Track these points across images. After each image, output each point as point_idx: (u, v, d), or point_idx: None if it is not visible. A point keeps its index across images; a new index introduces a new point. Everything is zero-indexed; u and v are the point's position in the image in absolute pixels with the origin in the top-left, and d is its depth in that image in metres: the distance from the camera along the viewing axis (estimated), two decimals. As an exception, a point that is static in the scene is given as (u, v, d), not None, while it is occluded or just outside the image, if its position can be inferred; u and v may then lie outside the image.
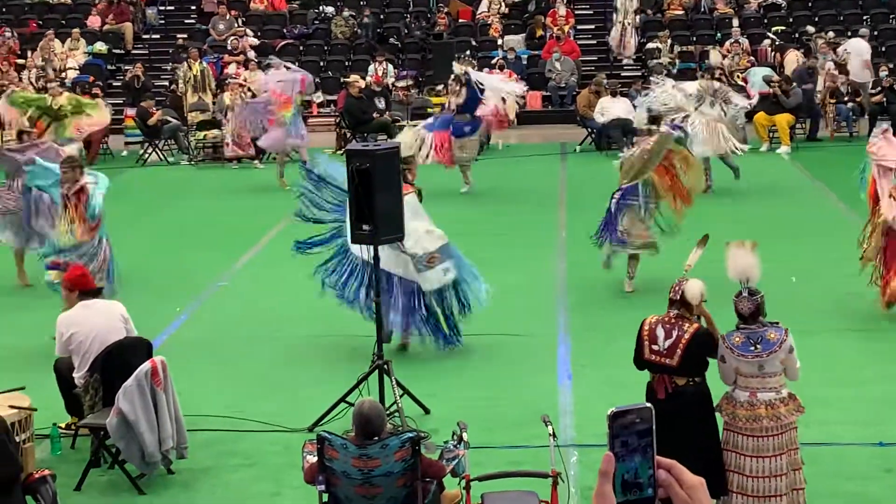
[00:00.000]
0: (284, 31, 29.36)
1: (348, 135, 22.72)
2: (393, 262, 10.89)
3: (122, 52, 28.98)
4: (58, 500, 7.80)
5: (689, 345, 7.56)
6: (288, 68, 20.39)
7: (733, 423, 7.57)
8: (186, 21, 30.18)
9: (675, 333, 7.61)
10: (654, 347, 7.64)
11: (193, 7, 30.41)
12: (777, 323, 7.72)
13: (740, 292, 7.66)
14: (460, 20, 29.24)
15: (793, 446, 7.61)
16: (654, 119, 14.43)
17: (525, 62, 27.45)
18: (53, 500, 7.77)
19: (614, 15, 27.89)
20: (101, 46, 28.52)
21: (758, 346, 7.49)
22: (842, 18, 28.41)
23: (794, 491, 7.64)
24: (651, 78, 21.11)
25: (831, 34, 26.83)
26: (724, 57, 26.10)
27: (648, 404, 2.11)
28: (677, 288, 7.76)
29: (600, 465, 2.07)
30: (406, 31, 29.08)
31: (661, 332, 7.65)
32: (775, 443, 7.50)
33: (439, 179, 17.77)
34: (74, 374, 9.23)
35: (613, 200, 12.90)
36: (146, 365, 8.56)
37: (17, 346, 11.70)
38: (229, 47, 27.81)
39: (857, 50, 25.04)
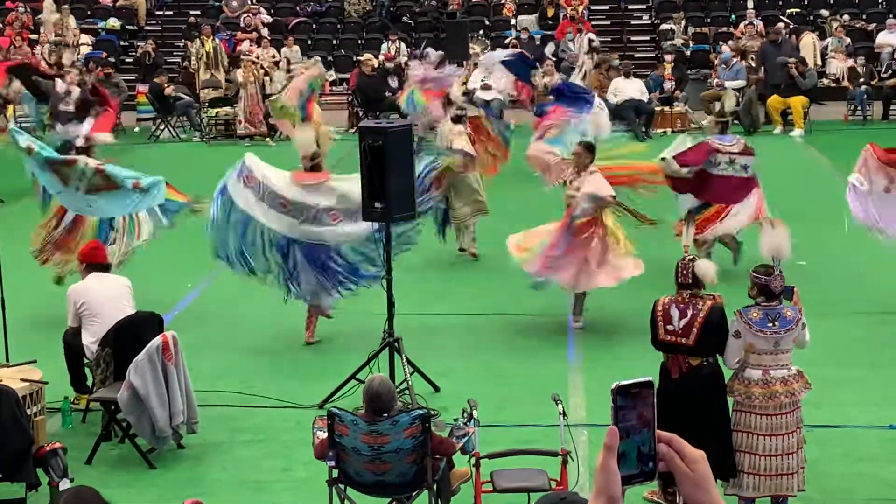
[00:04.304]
0: (297, 8, 29.29)
1: (361, 113, 22.70)
2: (286, 226, 10.66)
3: (135, 28, 28.95)
4: (68, 473, 7.84)
5: (706, 323, 7.54)
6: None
7: (748, 402, 7.53)
8: (199, -3, 30.12)
9: (689, 312, 7.59)
10: (669, 328, 7.62)
11: (206, -16, 30.36)
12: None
13: (770, 270, 7.63)
14: (473, -1, 29.16)
15: (801, 424, 7.63)
16: None
17: (538, 42, 27.35)
18: (64, 472, 7.81)
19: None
20: (113, 22, 28.49)
21: (775, 323, 7.48)
22: (857, 1, 28.25)
23: (799, 468, 7.66)
24: None
25: (846, 17, 26.70)
26: (738, 39, 25.99)
27: (650, 377, 2.09)
28: (685, 271, 7.72)
29: (605, 439, 2.03)
30: (419, 10, 29.00)
31: (675, 312, 7.63)
32: (788, 420, 7.50)
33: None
34: (84, 341, 9.33)
35: None
36: (157, 340, 8.58)
37: (30, 320, 11.74)
38: (242, 24, 27.75)
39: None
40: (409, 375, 9.47)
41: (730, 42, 25.66)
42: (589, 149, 11.46)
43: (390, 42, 26.34)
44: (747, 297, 7.74)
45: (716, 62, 24.93)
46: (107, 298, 9.34)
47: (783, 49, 23.75)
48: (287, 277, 10.72)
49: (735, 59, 23.99)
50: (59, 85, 18.58)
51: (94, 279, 9.50)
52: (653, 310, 7.79)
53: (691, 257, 7.90)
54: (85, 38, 27.38)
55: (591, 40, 24.73)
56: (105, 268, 9.73)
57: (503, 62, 18.54)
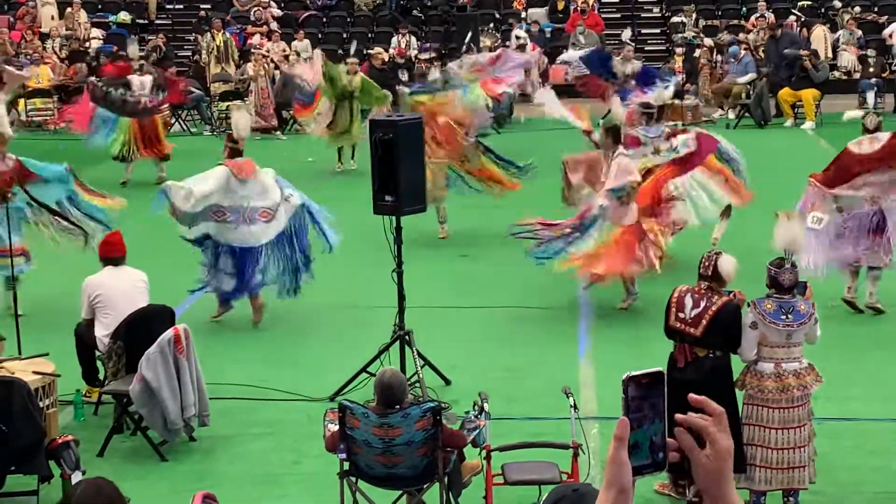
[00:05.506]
0: (308, 1, 29.30)
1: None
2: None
3: (146, 21, 28.99)
4: (80, 465, 7.86)
5: (716, 317, 7.54)
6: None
7: (760, 395, 7.52)
8: (210, -9, 30.16)
9: (703, 304, 7.60)
10: (681, 315, 7.63)
11: (217, -23, 30.39)
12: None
13: (782, 263, 7.63)
14: (484, -8, 29.13)
15: (811, 416, 7.63)
16: None
17: (549, 35, 27.34)
18: (76, 465, 7.83)
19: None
20: (124, 16, 28.53)
21: (789, 316, 7.48)
22: (869, -7, 28.17)
23: (810, 460, 7.66)
24: None
25: (857, 9, 26.62)
26: (748, 32, 25.94)
27: (660, 368, 2.10)
28: (707, 263, 7.72)
29: (615, 430, 2.02)
30: (429, 3, 28.97)
31: (689, 301, 7.64)
32: (800, 413, 7.51)
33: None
34: (97, 334, 9.37)
35: None
36: (169, 332, 8.60)
37: (42, 312, 11.76)
38: (253, 18, 27.79)
39: None
40: (419, 368, 9.47)
41: (715, 34, 25.64)
42: (610, 132, 11.53)
43: (400, 35, 26.34)
44: (756, 293, 7.74)
45: (695, 54, 24.78)
46: (121, 292, 9.36)
47: (782, 44, 23.69)
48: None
49: (744, 53, 23.94)
50: (135, 82, 18.51)
51: (110, 272, 9.53)
52: (670, 296, 7.81)
53: (717, 251, 7.88)
54: (95, 32, 27.44)
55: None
56: (120, 261, 9.75)
57: (582, 58, 18.40)
